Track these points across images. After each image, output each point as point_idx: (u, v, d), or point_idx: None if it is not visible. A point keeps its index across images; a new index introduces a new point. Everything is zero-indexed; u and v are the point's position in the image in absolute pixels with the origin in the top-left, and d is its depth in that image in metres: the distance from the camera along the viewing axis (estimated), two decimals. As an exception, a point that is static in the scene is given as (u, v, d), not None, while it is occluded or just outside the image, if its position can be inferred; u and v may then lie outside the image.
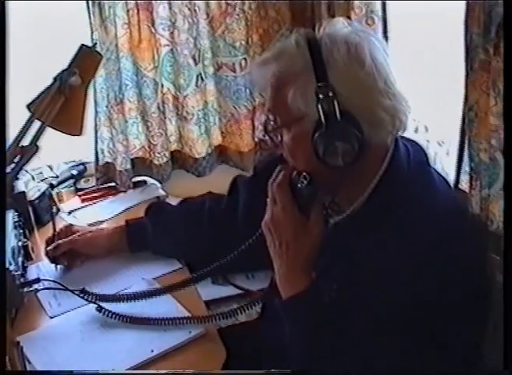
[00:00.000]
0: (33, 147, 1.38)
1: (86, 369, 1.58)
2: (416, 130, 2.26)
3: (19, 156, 1.36)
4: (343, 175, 1.37)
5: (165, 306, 1.76)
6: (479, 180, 1.55)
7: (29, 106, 1.53)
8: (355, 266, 1.37)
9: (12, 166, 1.36)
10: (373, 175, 1.41)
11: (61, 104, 1.50)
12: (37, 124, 1.47)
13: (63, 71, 1.53)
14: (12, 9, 1.39)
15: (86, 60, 1.58)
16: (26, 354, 1.64)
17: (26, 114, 1.46)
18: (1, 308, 1.21)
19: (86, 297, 1.79)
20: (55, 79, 1.51)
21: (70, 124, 1.58)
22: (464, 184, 1.66)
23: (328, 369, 1.39)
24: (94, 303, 1.77)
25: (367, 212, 1.41)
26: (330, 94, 1.32)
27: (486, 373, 1.35)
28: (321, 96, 1.32)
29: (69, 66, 1.55)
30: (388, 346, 1.30)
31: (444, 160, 2.12)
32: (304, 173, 1.41)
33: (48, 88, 1.52)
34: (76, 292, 1.81)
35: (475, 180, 1.57)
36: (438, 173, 1.49)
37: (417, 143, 1.52)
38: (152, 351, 1.62)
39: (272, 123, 1.45)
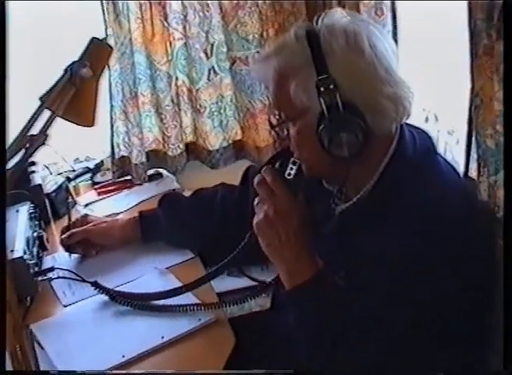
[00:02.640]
0: (42, 135, 1.40)
1: (96, 354, 1.61)
2: (426, 120, 2.26)
3: (27, 145, 1.38)
4: (349, 165, 1.38)
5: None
6: (487, 167, 1.53)
7: (41, 98, 1.55)
8: (362, 253, 1.37)
9: (21, 154, 1.37)
10: (379, 163, 1.42)
11: (72, 95, 1.52)
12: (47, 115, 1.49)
13: (74, 62, 1.55)
14: (15, 9, 1.41)
15: (97, 52, 1.60)
16: (40, 341, 1.67)
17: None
18: (2, 308, 1.22)
19: (98, 289, 1.81)
20: (66, 70, 1.53)
21: (81, 115, 1.60)
22: (474, 172, 1.64)
23: (331, 369, 1.39)
24: (106, 295, 1.80)
25: (373, 199, 1.42)
26: (331, 86, 1.33)
27: (486, 373, 1.34)
28: (322, 89, 1.34)
29: (80, 58, 1.57)
30: (395, 335, 1.30)
31: (454, 149, 2.12)
32: (293, 160, 1.45)
33: (59, 80, 1.54)
34: (88, 283, 1.84)
35: (483, 166, 1.55)
36: (445, 161, 1.49)
37: (423, 130, 1.52)
38: (163, 337, 1.63)
39: (277, 118, 1.47)
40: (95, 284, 1.82)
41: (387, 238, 1.33)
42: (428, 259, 1.29)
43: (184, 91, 2.52)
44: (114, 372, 1.51)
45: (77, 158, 2.69)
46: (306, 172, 1.47)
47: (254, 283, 2.23)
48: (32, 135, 1.39)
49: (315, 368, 1.41)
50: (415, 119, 1.49)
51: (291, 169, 1.46)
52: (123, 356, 1.60)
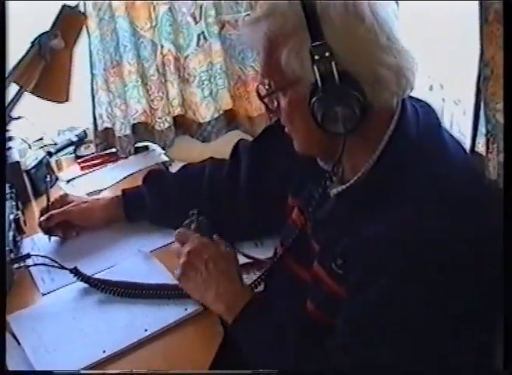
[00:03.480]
0: (6, 117, 1.28)
1: (74, 349, 1.52)
2: (431, 88, 2.15)
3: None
4: (344, 142, 1.28)
5: (160, 278, 1.69)
6: (496, 143, 1.44)
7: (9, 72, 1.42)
8: (360, 239, 1.28)
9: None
10: (378, 141, 1.31)
11: (42, 69, 1.40)
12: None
13: (43, 33, 1.42)
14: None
15: (68, 21, 1.49)
16: (16, 334, 1.58)
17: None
18: (1, 308, 1.14)
19: (77, 277, 1.72)
20: (33, 43, 1.40)
21: (53, 90, 1.50)
22: (481, 147, 1.56)
23: (315, 368, 1.33)
24: (86, 283, 1.70)
25: (372, 181, 1.32)
26: (327, 54, 1.21)
27: (486, 373, 1.28)
28: (316, 57, 1.22)
29: (51, 28, 1.45)
30: (397, 326, 1.22)
31: (461, 120, 2.02)
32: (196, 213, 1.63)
33: (27, 52, 1.41)
34: (68, 270, 1.74)
35: (492, 143, 1.46)
36: (451, 136, 1.38)
37: (427, 104, 1.41)
38: (146, 330, 1.55)
39: (266, 87, 1.35)
40: (75, 271, 1.72)
41: (388, 222, 1.24)
42: (432, 245, 1.19)
43: (171, 60, 2.36)
44: (114, 372, 1.43)
45: (59, 131, 2.55)
46: (298, 149, 1.39)
47: (248, 260, 2.16)
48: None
49: (302, 368, 1.36)
50: (418, 86, 1.37)
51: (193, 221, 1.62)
52: (104, 351, 1.51)
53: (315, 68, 1.22)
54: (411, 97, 1.37)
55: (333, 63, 1.21)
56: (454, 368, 1.26)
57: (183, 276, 1.53)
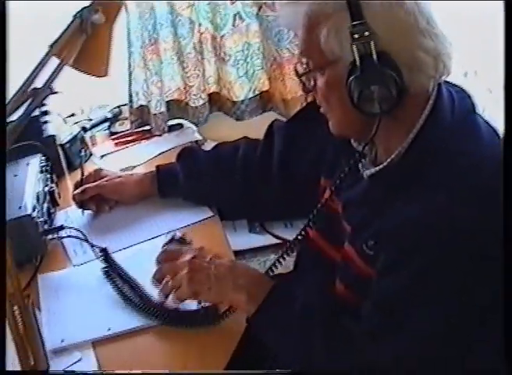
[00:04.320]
0: (46, 88, 1.29)
1: (85, 322, 1.57)
2: (465, 75, 2.13)
3: (31, 99, 1.27)
4: (379, 123, 1.28)
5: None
6: None
7: (50, 46, 1.43)
8: (393, 221, 1.28)
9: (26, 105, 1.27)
10: (413, 124, 1.31)
11: (82, 43, 1.41)
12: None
13: (84, 8, 1.43)
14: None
15: (109, -3, 1.49)
16: (40, 294, 1.64)
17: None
18: (1, 308, 1.16)
19: (102, 258, 1.73)
20: (76, 16, 1.41)
21: (93, 64, 1.49)
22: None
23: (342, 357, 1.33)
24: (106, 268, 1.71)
25: (405, 164, 1.32)
26: (366, 33, 1.22)
27: (486, 373, 1.27)
28: (356, 36, 1.22)
29: (92, 2, 1.45)
30: (428, 311, 1.24)
31: (493, 109, 2.00)
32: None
33: (69, 26, 1.42)
34: (96, 249, 1.77)
35: None
36: (487, 124, 1.37)
37: (463, 89, 1.40)
38: None
39: (304, 66, 1.36)
40: (103, 252, 1.74)
41: (420, 206, 1.24)
42: (463, 232, 1.20)
43: (207, 38, 2.37)
44: (114, 371, 1.44)
45: (94, 107, 2.57)
46: (333, 129, 1.40)
47: (277, 240, 2.17)
48: (35, 88, 1.28)
49: (314, 368, 1.37)
50: (453, 72, 1.36)
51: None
52: (109, 329, 1.53)
53: (354, 47, 1.22)
54: (447, 82, 1.36)
55: (372, 43, 1.21)
56: (480, 356, 1.27)
57: (191, 284, 1.48)
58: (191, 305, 1.54)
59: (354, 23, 1.22)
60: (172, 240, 1.67)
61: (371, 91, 1.24)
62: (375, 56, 1.22)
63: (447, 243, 1.20)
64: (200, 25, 2.34)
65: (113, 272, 1.67)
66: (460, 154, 1.28)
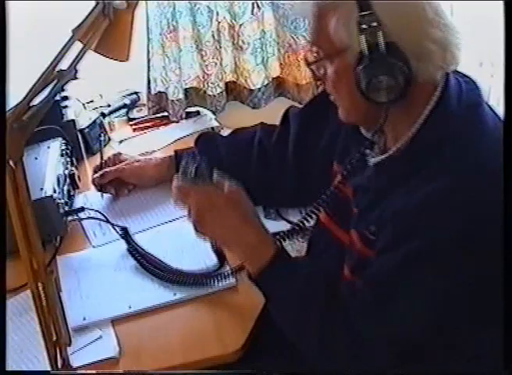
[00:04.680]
0: (72, 70, 1.32)
1: (105, 300, 1.61)
2: (481, 65, 2.14)
3: (56, 80, 1.30)
4: (387, 112, 1.30)
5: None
6: None
7: (73, 30, 1.46)
8: (394, 207, 1.31)
9: (48, 90, 1.30)
10: (420, 113, 1.32)
11: (105, 27, 1.44)
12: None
13: (107, -6, 1.46)
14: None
15: (130, -17, 1.51)
16: (60, 275, 1.66)
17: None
18: (1, 308, 1.20)
19: (123, 237, 1.78)
20: (98, 2, 1.45)
21: (115, 49, 1.51)
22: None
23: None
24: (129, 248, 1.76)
25: (412, 152, 1.34)
26: (374, 24, 1.23)
27: (486, 373, 1.29)
28: (364, 26, 1.23)
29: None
30: (418, 291, 1.27)
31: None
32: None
33: (92, 11, 1.45)
34: (116, 228, 1.81)
35: None
36: (495, 114, 1.37)
37: (472, 80, 1.41)
38: (175, 294, 1.61)
39: (314, 55, 1.38)
40: (124, 231, 1.78)
41: (425, 195, 1.26)
42: (466, 222, 1.23)
43: (225, 27, 2.41)
44: (114, 371, 1.46)
45: (113, 93, 2.60)
46: (342, 116, 1.41)
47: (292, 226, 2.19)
48: (60, 70, 1.31)
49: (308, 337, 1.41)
50: (467, 62, 1.38)
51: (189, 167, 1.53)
52: (130, 307, 1.58)
53: (362, 37, 1.24)
54: (457, 71, 1.37)
55: (380, 33, 1.23)
56: (471, 341, 1.31)
57: (201, 232, 1.49)
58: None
59: (362, 13, 1.23)
60: (187, 166, 1.57)
61: (378, 81, 1.25)
62: (383, 46, 1.23)
63: (444, 228, 1.23)
64: (218, 14, 2.37)
65: (134, 250, 1.73)
66: (466, 143, 1.29)
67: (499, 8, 1.78)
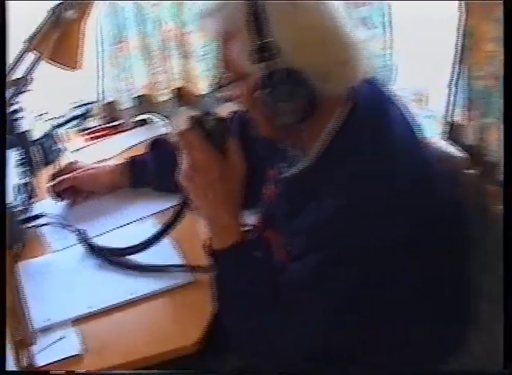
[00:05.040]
0: (26, 78, 1.37)
1: (66, 302, 1.65)
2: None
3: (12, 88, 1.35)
4: (297, 129, 1.32)
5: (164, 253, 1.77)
6: (475, 110, 1.54)
7: (26, 40, 1.51)
8: (309, 221, 1.34)
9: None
10: (329, 127, 1.34)
11: (57, 37, 1.49)
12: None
13: (59, 4, 1.51)
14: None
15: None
16: (22, 280, 1.64)
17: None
18: (2, 308, 1.22)
19: (80, 239, 1.83)
20: (50, 12, 1.50)
21: (67, 58, 1.57)
22: (459, 117, 1.64)
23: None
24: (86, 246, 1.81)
25: (322, 165, 1.36)
26: (274, 51, 1.24)
27: (486, 373, 1.33)
28: (264, 54, 1.24)
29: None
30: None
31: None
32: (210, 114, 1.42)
33: (45, 21, 1.50)
34: (74, 231, 1.86)
35: (469, 109, 1.56)
36: (403, 119, 1.40)
37: (380, 84, 1.44)
38: (131, 294, 1.66)
39: (225, 76, 1.38)
40: (79, 233, 1.83)
41: (333, 208, 1.30)
42: (376, 228, 1.26)
43: (172, 36, 2.47)
44: (114, 371, 1.50)
45: (66, 104, 2.64)
46: (257, 133, 1.42)
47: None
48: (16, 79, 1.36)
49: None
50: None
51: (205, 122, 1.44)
52: (90, 307, 1.63)
53: (263, 65, 1.24)
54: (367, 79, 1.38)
55: (280, 60, 1.23)
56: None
57: (181, 182, 1.47)
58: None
59: (262, 40, 1.23)
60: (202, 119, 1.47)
61: (282, 105, 1.26)
62: (284, 73, 1.24)
63: (354, 238, 1.26)
64: (166, 23, 2.43)
65: (93, 249, 1.80)
66: (369, 157, 1.31)
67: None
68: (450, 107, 1.65)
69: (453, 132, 1.65)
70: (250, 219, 1.57)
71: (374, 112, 1.35)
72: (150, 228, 1.82)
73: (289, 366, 1.40)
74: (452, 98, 1.63)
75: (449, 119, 1.66)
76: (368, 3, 1.87)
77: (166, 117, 2.56)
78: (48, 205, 2.03)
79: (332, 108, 1.33)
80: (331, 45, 1.28)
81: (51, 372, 1.40)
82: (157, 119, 2.59)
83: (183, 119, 1.45)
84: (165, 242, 1.74)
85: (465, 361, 1.43)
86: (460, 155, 1.56)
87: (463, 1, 1.46)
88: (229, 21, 1.30)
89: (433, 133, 1.70)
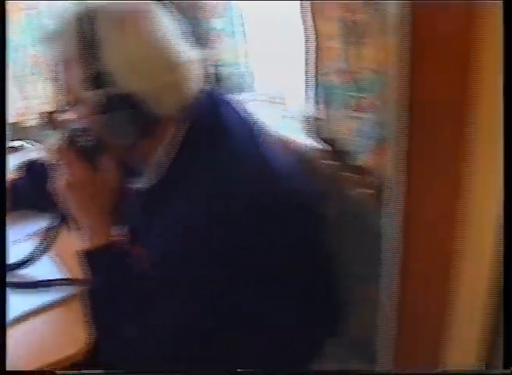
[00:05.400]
0: None
1: None
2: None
3: None
4: (137, 148, 1.41)
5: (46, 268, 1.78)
6: (328, 103, 1.62)
7: None
8: (156, 233, 1.42)
9: None
10: (164, 142, 1.41)
11: None
12: None
13: None
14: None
15: None
16: None
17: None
18: (2, 306, 1.24)
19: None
20: None
21: None
22: (315, 113, 1.71)
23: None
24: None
25: (161, 181, 1.43)
26: (107, 78, 1.31)
27: (486, 373, 1.31)
28: (98, 81, 1.31)
29: None
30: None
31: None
32: (84, 130, 1.45)
33: None
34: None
35: (320, 103, 1.64)
36: (243, 122, 1.48)
37: (215, 95, 1.50)
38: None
39: (66, 100, 1.44)
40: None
41: (171, 220, 1.37)
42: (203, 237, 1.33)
43: (40, 61, 2.49)
44: (115, 371, 1.47)
45: None
46: (102, 150, 1.47)
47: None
48: None
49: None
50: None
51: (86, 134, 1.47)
52: None
53: (96, 92, 1.32)
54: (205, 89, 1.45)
55: (115, 86, 1.31)
56: None
57: (65, 192, 1.49)
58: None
59: (94, 67, 1.31)
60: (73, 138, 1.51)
61: (119, 128, 1.35)
62: (116, 98, 1.31)
63: (199, 245, 1.32)
64: (32, 48, 2.45)
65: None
66: (210, 166, 1.37)
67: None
68: (307, 104, 1.73)
69: (311, 127, 1.73)
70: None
71: (210, 122, 1.41)
72: (30, 247, 1.83)
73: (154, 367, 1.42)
74: (307, 96, 1.72)
75: (306, 116, 1.75)
76: (221, 14, 1.95)
77: (38, 142, 2.57)
78: None
79: (169, 128, 1.40)
80: (158, 68, 1.34)
81: (55, 371, 1.41)
82: (30, 145, 2.60)
83: (55, 140, 1.52)
84: (46, 258, 1.78)
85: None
86: (320, 147, 1.66)
87: (303, 2, 1.54)
88: (66, 49, 1.35)
89: (294, 131, 1.82)
